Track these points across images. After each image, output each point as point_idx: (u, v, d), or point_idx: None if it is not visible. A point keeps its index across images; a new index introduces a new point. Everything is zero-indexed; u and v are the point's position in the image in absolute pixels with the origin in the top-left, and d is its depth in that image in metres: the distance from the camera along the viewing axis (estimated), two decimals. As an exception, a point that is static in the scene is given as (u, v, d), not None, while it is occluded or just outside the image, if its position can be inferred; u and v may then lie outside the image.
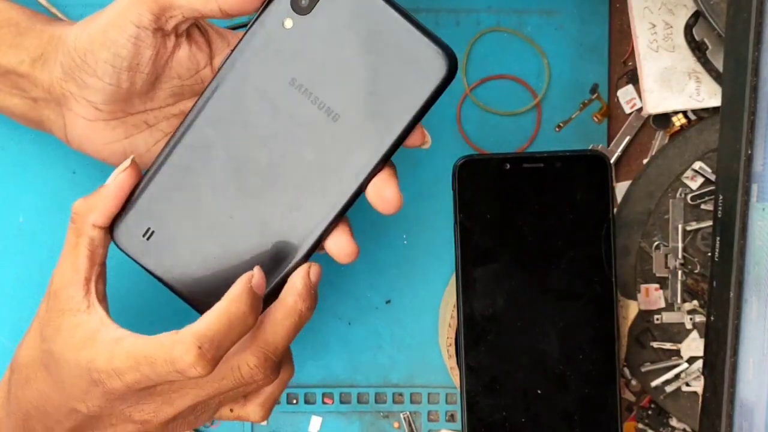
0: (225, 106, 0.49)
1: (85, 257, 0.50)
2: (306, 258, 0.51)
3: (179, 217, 0.51)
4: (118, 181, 0.50)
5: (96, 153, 0.53)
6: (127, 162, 0.51)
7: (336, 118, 0.48)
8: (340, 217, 0.50)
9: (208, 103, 0.49)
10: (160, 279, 0.52)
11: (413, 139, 0.49)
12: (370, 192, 0.50)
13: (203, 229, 0.51)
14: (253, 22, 0.48)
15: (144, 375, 0.47)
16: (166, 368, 0.47)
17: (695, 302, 0.61)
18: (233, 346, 0.48)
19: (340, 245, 0.51)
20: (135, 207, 0.51)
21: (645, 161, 0.62)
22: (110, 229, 0.51)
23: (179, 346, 0.46)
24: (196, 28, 0.52)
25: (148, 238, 0.51)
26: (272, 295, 0.50)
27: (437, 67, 0.47)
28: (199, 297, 0.51)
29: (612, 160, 0.62)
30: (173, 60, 0.51)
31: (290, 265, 0.50)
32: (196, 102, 0.50)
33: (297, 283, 0.50)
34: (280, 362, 0.51)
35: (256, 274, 0.49)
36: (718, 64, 0.59)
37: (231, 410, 0.54)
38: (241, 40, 0.49)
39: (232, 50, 0.49)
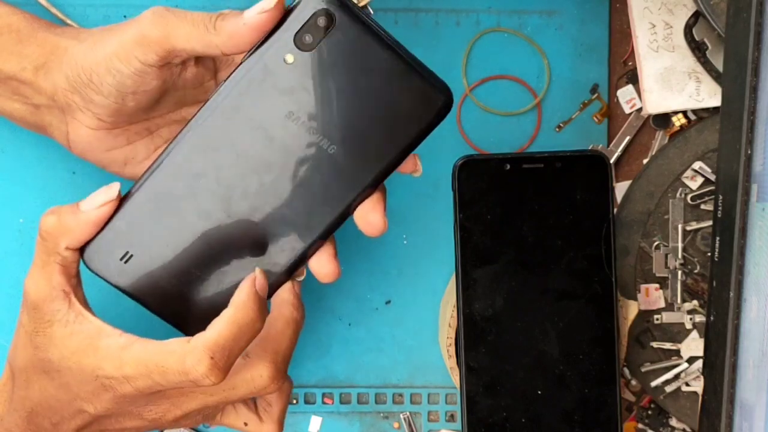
0: (217, 133, 0.49)
1: (59, 273, 0.49)
2: (287, 277, 0.51)
3: (161, 241, 0.50)
4: (100, 210, 0.49)
5: (97, 159, 0.54)
6: (114, 192, 0.49)
7: (331, 149, 0.49)
8: (323, 239, 0.51)
9: (198, 129, 0.49)
10: (137, 299, 0.51)
11: (405, 167, 0.50)
12: (357, 215, 0.50)
13: (186, 252, 0.50)
14: (253, 52, 0.48)
15: (156, 382, 0.48)
16: (179, 378, 0.47)
17: (695, 302, 0.61)
18: (242, 352, 0.48)
19: (321, 264, 0.51)
20: (113, 230, 0.50)
21: (645, 161, 0.62)
22: (81, 250, 0.50)
23: (191, 356, 0.47)
24: None
25: (125, 261, 0.50)
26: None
27: (431, 104, 0.49)
28: (181, 316, 0.51)
29: (612, 160, 0.62)
30: (180, 80, 0.51)
31: (271, 283, 0.51)
32: (184, 126, 0.49)
33: (286, 294, 0.51)
34: (287, 371, 0.52)
35: (259, 276, 0.49)
36: (718, 64, 0.59)
37: (246, 424, 0.55)
38: (238, 66, 0.48)
39: (228, 77, 0.49)
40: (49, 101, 0.52)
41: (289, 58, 0.48)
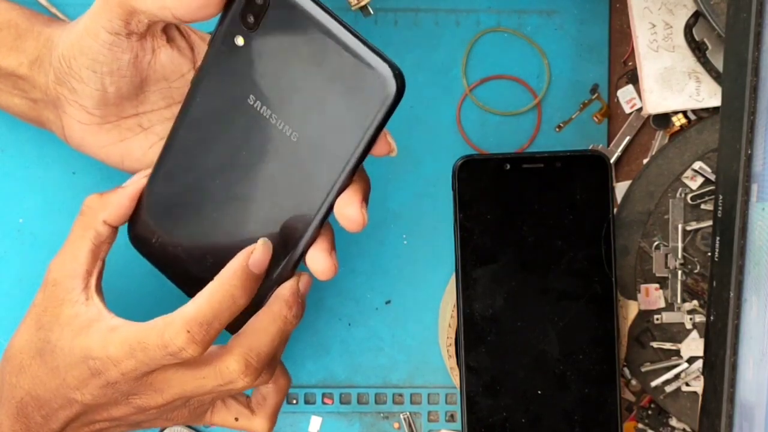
0: (192, 127, 0.49)
1: (89, 250, 0.51)
2: (289, 272, 0.51)
3: (181, 222, 0.52)
4: (139, 185, 0.52)
5: (93, 154, 0.54)
6: (149, 169, 0.52)
7: (294, 136, 0.47)
8: (314, 232, 0.50)
9: (177, 126, 0.50)
10: (170, 278, 0.54)
11: (379, 149, 0.48)
12: (335, 209, 0.49)
13: (201, 234, 0.52)
14: (212, 39, 0.48)
15: (140, 361, 0.48)
16: (159, 352, 0.48)
17: (695, 302, 0.61)
18: (225, 325, 0.49)
19: (316, 260, 0.50)
20: (149, 212, 0.52)
21: (645, 161, 0.62)
22: (129, 231, 0.53)
23: (169, 329, 0.47)
24: (177, 32, 0.52)
25: (156, 241, 0.53)
26: (253, 306, 0.51)
27: (384, 85, 0.45)
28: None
29: (612, 160, 0.62)
30: (156, 63, 0.51)
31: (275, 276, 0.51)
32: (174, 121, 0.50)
33: (284, 290, 0.51)
34: (263, 368, 0.51)
35: (258, 249, 0.50)
36: (718, 64, 0.59)
37: (236, 419, 0.55)
38: (205, 55, 0.48)
39: (199, 65, 0.49)
40: (43, 96, 0.53)
41: (239, 41, 0.47)
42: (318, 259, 0.50)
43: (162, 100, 0.53)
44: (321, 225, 0.49)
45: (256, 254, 0.49)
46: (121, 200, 0.52)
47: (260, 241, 0.50)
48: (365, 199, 0.49)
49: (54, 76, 0.51)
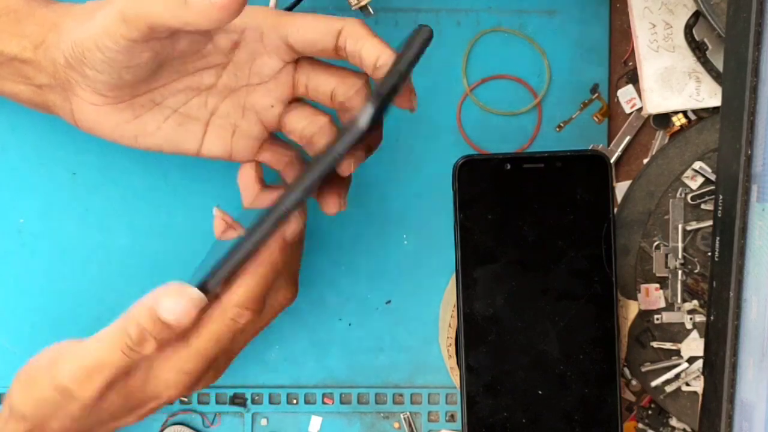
0: None
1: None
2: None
3: None
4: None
5: (105, 135, 0.53)
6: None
7: None
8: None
9: None
10: None
11: (401, 100, 0.50)
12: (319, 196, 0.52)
13: None
14: None
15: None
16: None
17: (695, 302, 0.61)
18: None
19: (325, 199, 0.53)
20: None
21: (645, 161, 0.62)
22: None
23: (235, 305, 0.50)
24: None
25: None
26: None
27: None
28: None
29: (612, 160, 0.62)
30: (174, 50, 0.51)
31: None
32: None
33: (238, 290, 0.50)
34: (203, 375, 0.51)
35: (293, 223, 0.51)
36: (718, 64, 0.59)
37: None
38: None
39: None
40: (50, 80, 0.52)
41: None
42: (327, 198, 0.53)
43: (175, 73, 0.52)
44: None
45: (292, 227, 0.51)
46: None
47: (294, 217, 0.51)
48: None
49: (64, 60, 0.51)
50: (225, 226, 0.53)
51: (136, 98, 0.52)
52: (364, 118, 0.46)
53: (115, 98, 0.52)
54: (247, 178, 0.55)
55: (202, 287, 0.49)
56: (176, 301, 0.48)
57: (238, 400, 0.62)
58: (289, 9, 0.58)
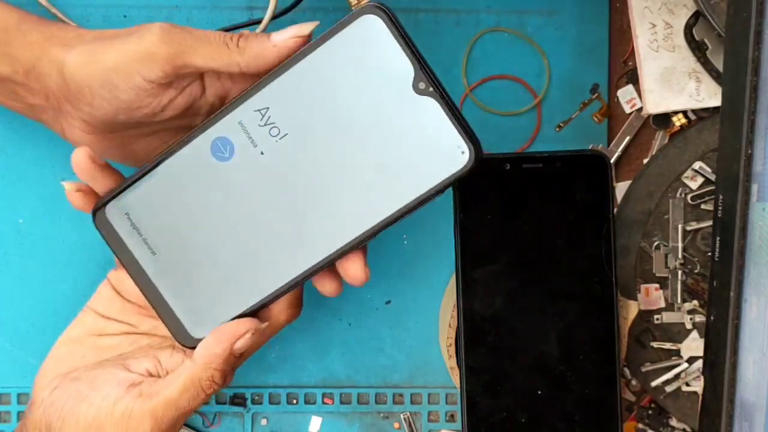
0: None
1: None
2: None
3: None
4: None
5: (96, 154, 0.53)
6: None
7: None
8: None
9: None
10: None
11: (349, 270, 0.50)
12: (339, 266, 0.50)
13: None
14: None
15: None
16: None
17: (695, 302, 0.61)
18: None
19: (351, 270, 0.51)
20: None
21: (645, 161, 0.62)
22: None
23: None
24: None
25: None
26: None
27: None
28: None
29: (612, 160, 0.62)
30: (179, 98, 0.51)
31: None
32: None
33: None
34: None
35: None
36: (718, 64, 0.59)
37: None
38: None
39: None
40: (42, 102, 0.52)
41: None
42: (353, 268, 0.51)
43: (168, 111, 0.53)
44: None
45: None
46: None
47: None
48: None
49: (58, 91, 0.50)
50: (77, 190, 0.51)
51: (126, 130, 0.52)
52: None
53: (106, 131, 0.51)
54: (83, 162, 0.51)
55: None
56: (246, 337, 0.49)
57: (238, 400, 0.62)
58: (289, 9, 0.58)
